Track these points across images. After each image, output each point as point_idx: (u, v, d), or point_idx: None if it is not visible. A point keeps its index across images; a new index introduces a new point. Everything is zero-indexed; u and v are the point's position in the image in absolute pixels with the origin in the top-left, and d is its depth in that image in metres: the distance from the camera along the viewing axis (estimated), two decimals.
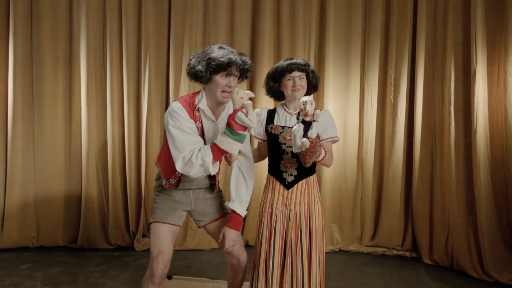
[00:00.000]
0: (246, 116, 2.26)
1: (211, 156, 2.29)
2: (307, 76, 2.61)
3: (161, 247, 2.44)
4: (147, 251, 4.42)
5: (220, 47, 2.43)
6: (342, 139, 4.54)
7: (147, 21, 4.34)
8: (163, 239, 2.48)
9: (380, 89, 4.55)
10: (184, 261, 4.21)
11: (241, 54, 2.46)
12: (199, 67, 2.37)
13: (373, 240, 4.63)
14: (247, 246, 4.51)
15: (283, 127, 2.62)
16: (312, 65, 4.44)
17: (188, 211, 2.70)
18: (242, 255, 2.68)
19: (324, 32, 4.51)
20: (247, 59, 2.46)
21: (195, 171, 2.30)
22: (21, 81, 4.26)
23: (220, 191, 2.82)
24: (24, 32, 4.24)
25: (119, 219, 4.48)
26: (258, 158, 2.86)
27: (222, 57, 2.34)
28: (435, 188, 4.30)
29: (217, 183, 2.77)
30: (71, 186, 4.46)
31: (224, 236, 2.52)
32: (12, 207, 4.31)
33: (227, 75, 2.38)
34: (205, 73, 2.37)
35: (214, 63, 2.33)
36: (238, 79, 2.48)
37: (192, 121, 2.40)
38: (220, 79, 2.38)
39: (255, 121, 2.27)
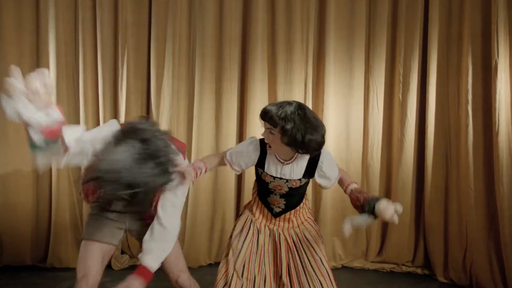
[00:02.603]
0: None
1: None
2: (283, 133, 2.10)
3: (87, 268, 2.28)
4: (127, 270, 4.07)
5: None
6: (344, 143, 4.24)
7: (124, 11, 3.97)
8: (90, 259, 2.31)
9: (387, 87, 4.24)
10: (167, 282, 3.70)
11: None
12: None
13: (380, 256, 4.33)
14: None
15: (274, 177, 2.33)
16: (311, 59, 4.14)
17: (125, 230, 2.46)
18: None
19: (324, 23, 4.17)
20: None
21: None
22: None
23: None
24: None
25: None
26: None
27: None
28: (450, 197, 4.01)
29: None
30: (40, 198, 4.07)
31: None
32: None
33: None
34: None
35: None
36: None
37: None
38: None
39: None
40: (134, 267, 4.15)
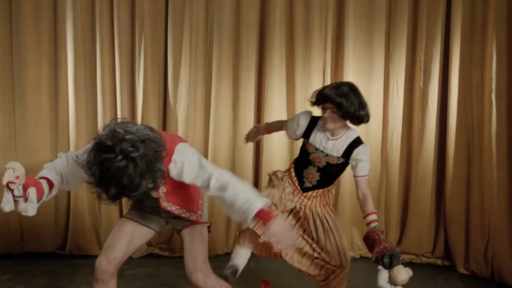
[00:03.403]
0: None
1: None
2: (339, 109, 2.51)
3: (111, 240, 2.34)
4: (145, 258, 4.12)
5: None
6: (363, 132, 4.09)
7: None
8: (117, 232, 2.36)
9: (407, 74, 4.14)
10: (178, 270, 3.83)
11: None
12: None
13: (399, 246, 4.25)
14: None
15: (316, 148, 2.67)
16: (330, 47, 4.08)
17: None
18: None
19: (343, 9, 4.08)
20: None
21: None
22: None
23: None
24: (2, 12, 3.84)
25: (112, 222, 4.08)
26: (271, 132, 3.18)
27: None
28: (472, 187, 3.92)
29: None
30: None
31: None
32: None
33: None
34: None
35: None
36: None
37: None
38: None
39: None
40: (153, 255, 4.18)
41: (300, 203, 2.76)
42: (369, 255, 4.16)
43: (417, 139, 4.14)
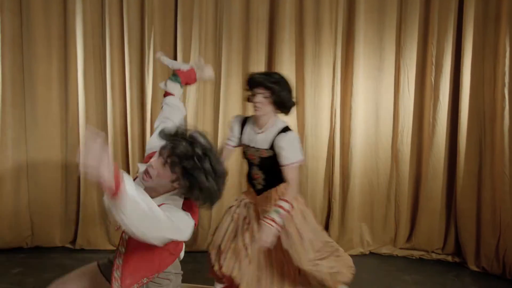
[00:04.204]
0: None
1: None
2: (272, 94, 2.54)
3: (71, 273, 2.26)
4: None
5: None
6: (374, 127, 4.16)
7: None
8: (80, 269, 2.27)
9: (418, 69, 4.11)
10: (195, 265, 3.78)
11: None
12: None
13: (409, 242, 4.24)
14: None
15: (247, 145, 2.69)
16: (340, 41, 4.05)
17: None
18: None
19: (353, 3, 4.07)
20: None
21: None
22: (10, 61, 3.90)
23: None
24: (12, 6, 3.87)
25: None
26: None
27: None
28: (484, 183, 3.90)
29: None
30: (68, 180, 4.13)
31: None
32: (3, 204, 3.98)
33: None
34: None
35: None
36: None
37: None
38: None
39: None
40: None
41: (260, 206, 2.71)
42: (379, 251, 4.21)
43: (428, 134, 4.11)
